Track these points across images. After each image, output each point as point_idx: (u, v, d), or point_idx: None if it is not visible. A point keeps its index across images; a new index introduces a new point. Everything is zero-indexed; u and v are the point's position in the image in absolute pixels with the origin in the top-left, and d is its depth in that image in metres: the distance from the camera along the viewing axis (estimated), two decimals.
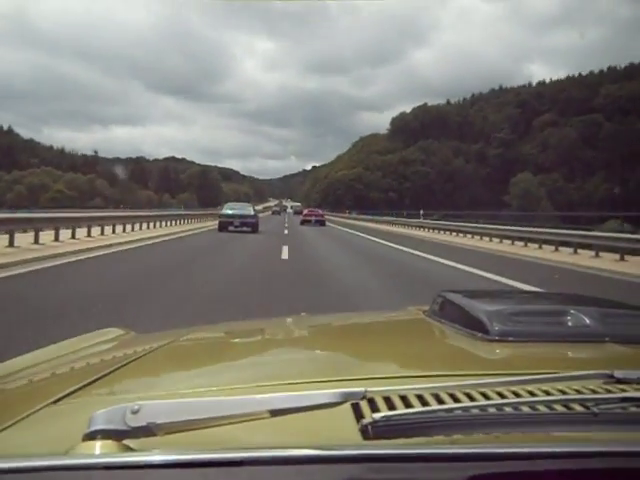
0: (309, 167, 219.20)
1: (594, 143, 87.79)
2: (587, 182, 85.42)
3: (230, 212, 22.42)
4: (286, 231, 25.41)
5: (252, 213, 22.94)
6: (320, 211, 42.33)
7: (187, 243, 16.00)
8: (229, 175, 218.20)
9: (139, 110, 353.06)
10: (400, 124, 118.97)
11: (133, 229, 18.82)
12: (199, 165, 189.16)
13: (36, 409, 0.68)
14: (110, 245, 12.92)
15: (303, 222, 36.25)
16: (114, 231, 16.71)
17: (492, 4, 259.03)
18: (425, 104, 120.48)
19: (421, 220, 35.34)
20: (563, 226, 23.11)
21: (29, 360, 1.10)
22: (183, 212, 34.93)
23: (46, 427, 0.66)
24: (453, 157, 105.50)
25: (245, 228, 21.19)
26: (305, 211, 43.57)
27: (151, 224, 21.58)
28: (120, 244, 13.47)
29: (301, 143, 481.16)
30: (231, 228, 21.01)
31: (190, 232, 20.95)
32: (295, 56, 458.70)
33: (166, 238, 16.88)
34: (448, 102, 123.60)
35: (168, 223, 24.63)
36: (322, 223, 36.51)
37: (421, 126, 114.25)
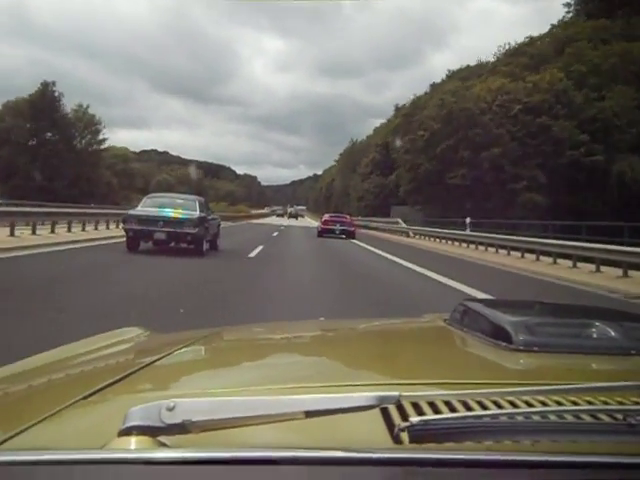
0: (320, 172, 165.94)
1: None
2: None
3: (149, 212, 11.31)
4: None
5: (196, 215, 11.41)
6: (348, 217, 28.60)
7: None
8: (217, 171, 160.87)
9: (144, 112, 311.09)
10: None
11: None
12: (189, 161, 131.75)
13: (68, 404, 0.67)
14: None
15: (322, 233, 25.50)
16: None
17: (515, 5, 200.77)
18: None
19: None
20: None
21: (50, 357, 1.08)
22: None
23: (80, 422, 0.65)
24: None
25: (182, 245, 11.44)
26: (325, 217, 28.58)
27: None
28: None
29: (310, 151, 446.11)
30: (160, 242, 11.39)
31: None
32: (306, 57, 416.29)
33: None
34: None
35: None
36: (350, 234, 25.09)
37: None
